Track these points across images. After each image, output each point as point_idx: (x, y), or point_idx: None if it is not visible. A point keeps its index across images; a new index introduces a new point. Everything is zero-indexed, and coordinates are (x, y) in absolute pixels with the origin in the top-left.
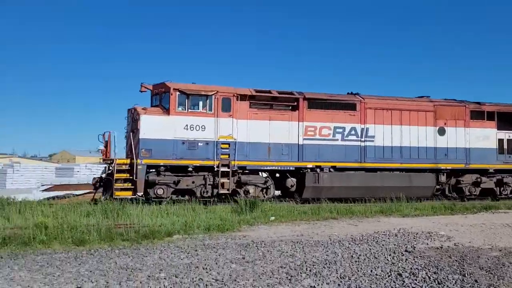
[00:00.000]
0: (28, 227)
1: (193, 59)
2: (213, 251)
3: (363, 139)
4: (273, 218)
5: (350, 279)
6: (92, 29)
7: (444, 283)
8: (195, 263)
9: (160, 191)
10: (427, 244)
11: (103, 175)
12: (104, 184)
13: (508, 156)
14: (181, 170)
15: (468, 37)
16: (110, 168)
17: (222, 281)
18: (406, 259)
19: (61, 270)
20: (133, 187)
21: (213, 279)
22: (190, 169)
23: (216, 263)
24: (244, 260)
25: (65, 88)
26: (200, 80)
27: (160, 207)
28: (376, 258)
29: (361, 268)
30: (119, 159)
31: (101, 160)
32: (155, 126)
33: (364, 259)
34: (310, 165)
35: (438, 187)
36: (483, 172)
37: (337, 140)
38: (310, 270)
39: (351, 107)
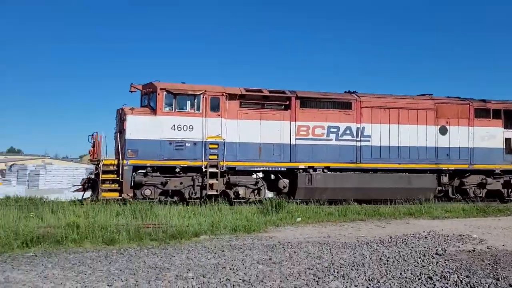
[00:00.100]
0: (61, 226)
1: (193, 59)
2: (240, 252)
3: (358, 139)
4: (299, 219)
5: (379, 282)
6: (92, 29)
7: (477, 287)
8: (222, 264)
9: (147, 192)
10: (459, 247)
11: (92, 176)
12: (92, 185)
13: None
14: (169, 171)
15: (468, 37)
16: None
17: (249, 282)
18: (437, 262)
19: (92, 269)
20: (120, 188)
21: (240, 279)
22: (177, 170)
23: (243, 264)
24: (271, 261)
25: (92, 90)
26: (201, 81)
27: (187, 208)
28: (405, 260)
29: (390, 271)
30: (106, 159)
31: (89, 161)
32: (141, 127)
33: (393, 261)
34: (302, 165)
35: (440, 188)
36: (489, 173)
37: (331, 140)
38: (337, 272)
39: (346, 106)
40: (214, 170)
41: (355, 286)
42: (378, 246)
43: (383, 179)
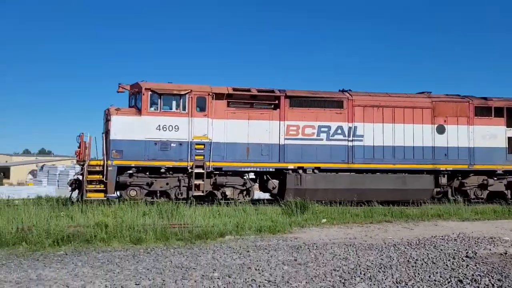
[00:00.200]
0: (90, 226)
1: (194, 59)
2: (265, 252)
3: (350, 139)
4: (324, 220)
5: (407, 285)
6: (92, 29)
7: None
8: (247, 264)
9: (133, 193)
10: (490, 249)
11: (79, 177)
12: (78, 185)
13: None
14: (155, 172)
15: (468, 37)
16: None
17: (275, 283)
18: (467, 265)
19: (121, 268)
20: (105, 188)
21: (265, 280)
22: (163, 170)
23: (268, 264)
24: (296, 262)
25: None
26: (201, 81)
27: (212, 208)
28: (434, 263)
29: (418, 273)
30: (92, 160)
31: (76, 161)
32: (126, 127)
33: (422, 264)
34: (291, 166)
35: (438, 190)
36: (491, 174)
37: (322, 139)
38: (364, 274)
39: (338, 104)
40: (200, 170)
41: None
42: (405, 248)
43: (376, 180)
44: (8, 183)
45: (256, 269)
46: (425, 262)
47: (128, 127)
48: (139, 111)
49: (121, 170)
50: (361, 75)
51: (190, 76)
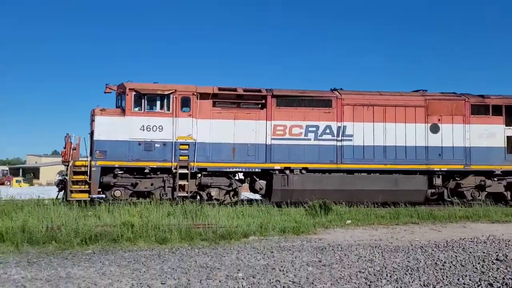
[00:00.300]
0: (116, 225)
1: (194, 59)
2: (289, 253)
3: (339, 138)
4: (349, 221)
5: None
6: (92, 29)
7: None
8: (271, 265)
9: (117, 193)
10: None
11: (63, 177)
12: (64, 185)
13: None
14: (140, 172)
15: (468, 37)
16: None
17: (299, 284)
18: (498, 268)
19: (147, 267)
20: (89, 189)
21: (290, 281)
22: (147, 171)
23: (293, 265)
24: (321, 263)
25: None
26: (200, 81)
27: (235, 209)
28: (463, 266)
29: (446, 276)
30: (77, 161)
31: (62, 162)
32: (110, 127)
33: (450, 266)
34: (277, 166)
35: (433, 191)
36: (489, 174)
37: (310, 139)
38: (390, 276)
39: (326, 104)
40: (184, 171)
41: None
42: (433, 250)
43: (367, 180)
44: (38, 184)
45: (280, 270)
46: (454, 265)
47: (112, 128)
48: (123, 112)
49: (106, 170)
50: (361, 74)
51: (190, 76)
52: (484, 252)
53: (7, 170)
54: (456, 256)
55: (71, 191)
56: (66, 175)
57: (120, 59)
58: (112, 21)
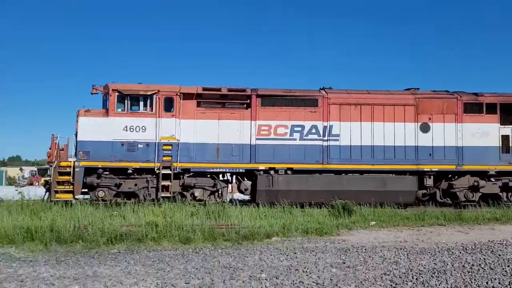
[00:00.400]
0: (141, 225)
1: (194, 59)
2: (312, 255)
3: (325, 138)
4: (373, 222)
5: None
6: (92, 29)
7: None
8: (294, 266)
9: (101, 194)
10: None
11: (48, 178)
12: (49, 186)
13: None
14: (124, 173)
15: (468, 37)
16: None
17: (323, 285)
18: None
19: (171, 266)
20: (73, 189)
21: (313, 282)
22: (130, 171)
23: (316, 267)
24: (345, 265)
25: None
26: (200, 81)
27: (258, 209)
28: (492, 269)
29: (474, 279)
30: (62, 161)
31: (47, 163)
32: (93, 128)
33: (478, 269)
34: (262, 166)
35: (424, 192)
36: (484, 175)
37: (295, 139)
38: (416, 279)
39: (312, 103)
40: (167, 171)
41: None
42: (460, 252)
43: (354, 181)
44: None
45: (303, 271)
46: (482, 268)
47: (96, 128)
48: (107, 112)
49: (89, 171)
50: (362, 74)
51: (189, 76)
52: None
53: (35, 171)
54: (484, 258)
55: (56, 192)
56: (50, 175)
57: (120, 59)
58: (112, 21)
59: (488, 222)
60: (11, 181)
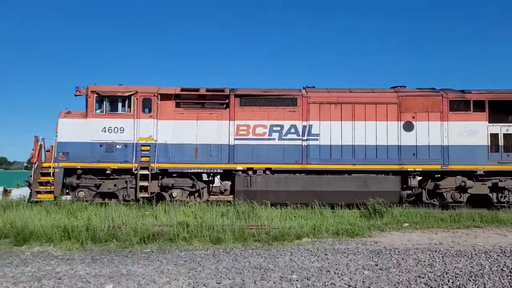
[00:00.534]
0: (172, 225)
1: (194, 59)
2: (344, 256)
3: (305, 138)
4: (406, 224)
5: None
6: (92, 29)
7: None
8: (326, 267)
9: (81, 194)
10: None
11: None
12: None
13: (506, 154)
14: (104, 173)
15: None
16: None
17: (355, 287)
18: None
19: (202, 266)
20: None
21: (345, 284)
22: (108, 172)
23: (348, 268)
24: (377, 267)
25: None
26: (199, 81)
27: (287, 210)
28: None
29: None
30: (43, 162)
31: (30, 164)
32: (73, 129)
33: None
34: (240, 167)
35: (409, 192)
36: (472, 175)
37: (274, 139)
38: (452, 282)
39: (291, 102)
40: (145, 172)
41: None
42: (498, 256)
43: (334, 181)
44: None
45: (335, 273)
46: None
47: (75, 130)
48: (86, 114)
49: (69, 172)
50: (362, 73)
51: (189, 76)
52: None
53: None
54: None
55: (37, 192)
56: (30, 176)
57: (120, 59)
58: (112, 21)
59: None
60: None
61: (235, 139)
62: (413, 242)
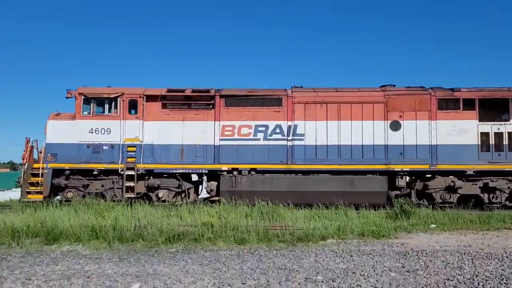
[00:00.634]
0: (197, 226)
1: (194, 59)
2: (370, 258)
3: (290, 138)
4: (434, 225)
5: None
6: (92, 29)
7: None
8: (351, 269)
9: (69, 195)
10: None
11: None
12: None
13: (497, 154)
14: (91, 174)
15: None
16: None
17: None
18: None
19: (227, 266)
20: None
21: (371, 286)
22: (95, 172)
23: (374, 270)
24: (404, 269)
25: None
26: (200, 81)
27: (311, 211)
28: None
29: None
30: (34, 163)
31: (21, 165)
32: (61, 131)
33: None
34: (225, 167)
35: (397, 192)
36: (462, 175)
37: (259, 139)
38: (482, 285)
39: (276, 102)
40: (131, 172)
41: None
42: None
43: (320, 181)
44: None
45: (361, 275)
46: None
47: (63, 131)
48: (74, 116)
49: (58, 172)
50: (362, 73)
51: (189, 76)
52: None
53: None
54: None
55: (27, 192)
56: (20, 177)
57: (120, 59)
58: (112, 21)
59: None
60: None
61: (221, 139)
62: (441, 244)
